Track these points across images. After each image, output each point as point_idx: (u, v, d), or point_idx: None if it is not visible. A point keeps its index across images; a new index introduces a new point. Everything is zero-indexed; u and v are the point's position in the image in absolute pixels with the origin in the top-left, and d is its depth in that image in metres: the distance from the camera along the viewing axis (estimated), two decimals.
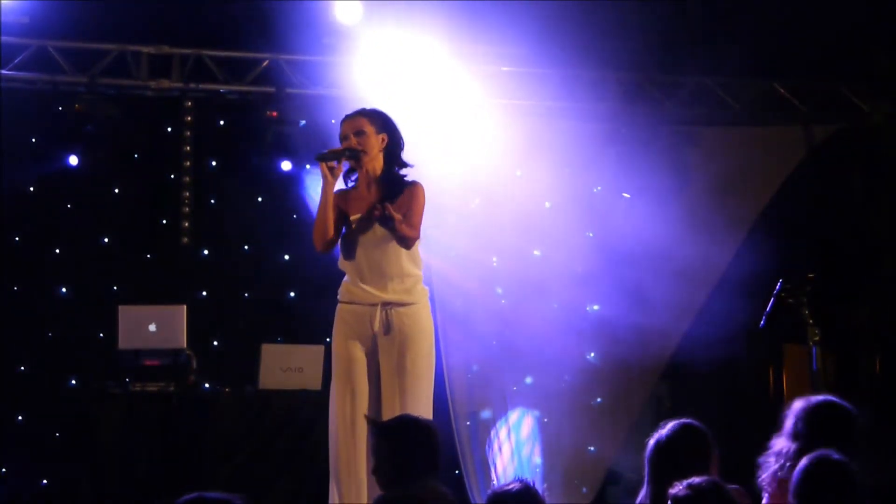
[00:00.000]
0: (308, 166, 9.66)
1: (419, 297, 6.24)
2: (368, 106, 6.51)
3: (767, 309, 7.71)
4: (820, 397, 5.13)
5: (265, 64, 9.50)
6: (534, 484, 4.07)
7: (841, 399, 5.09)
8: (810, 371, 7.50)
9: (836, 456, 4.17)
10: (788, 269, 8.21)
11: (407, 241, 6.14)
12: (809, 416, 5.02)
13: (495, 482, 9.21)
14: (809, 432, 4.97)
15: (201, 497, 3.62)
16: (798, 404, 5.09)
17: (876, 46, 9.79)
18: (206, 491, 3.81)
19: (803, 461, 4.13)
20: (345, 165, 6.26)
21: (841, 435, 4.92)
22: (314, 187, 9.45)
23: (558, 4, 8.99)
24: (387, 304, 6.14)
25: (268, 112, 9.51)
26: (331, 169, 6.13)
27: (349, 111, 6.50)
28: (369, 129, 6.25)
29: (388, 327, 6.13)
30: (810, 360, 7.51)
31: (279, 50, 9.49)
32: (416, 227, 6.18)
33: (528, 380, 9.62)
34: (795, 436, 5.01)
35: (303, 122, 9.49)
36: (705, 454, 4.70)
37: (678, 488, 3.93)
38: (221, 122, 10.02)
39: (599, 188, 9.92)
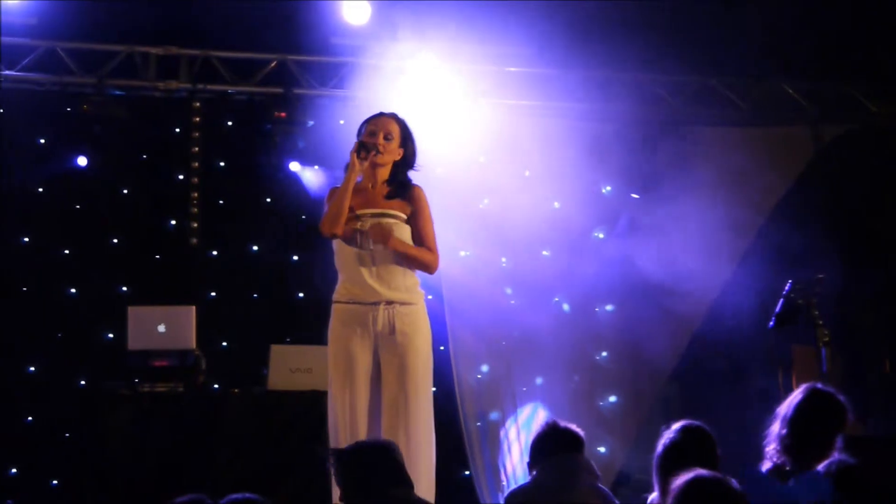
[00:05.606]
0: (316, 167, 9.67)
1: (418, 298, 6.31)
2: (384, 109, 6.54)
3: (777, 310, 7.70)
4: (820, 386, 5.20)
5: (273, 65, 9.53)
6: None
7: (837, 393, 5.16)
8: (819, 372, 7.49)
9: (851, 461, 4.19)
10: (797, 270, 8.19)
11: (430, 267, 6.29)
12: (801, 405, 5.10)
13: (504, 483, 9.23)
14: (798, 420, 5.06)
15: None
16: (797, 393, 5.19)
17: (884, 47, 9.77)
18: (212, 492, 3.83)
19: (819, 468, 4.14)
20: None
21: (830, 426, 4.99)
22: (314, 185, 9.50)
23: (565, 5, 8.99)
24: (390, 303, 6.17)
25: (276, 113, 9.53)
26: (362, 159, 6.18)
27: (359, 112, 6.56)
28: (396, 137, 6.33)
29: (391, 328, 6.15)
30: (819, 362, 7.50)
31: (287, 50, 9.52)
32: (432, 245, 6.32)
33: (538, 381, 9.62)
34: (784, 421, 5.09)
35: (311, 122, 9.51)
36: (711, 454, 4.74)
37: (681, 479, 3.92)
38: (229, 123, 10.02)
39: (608, 189, 9.92)
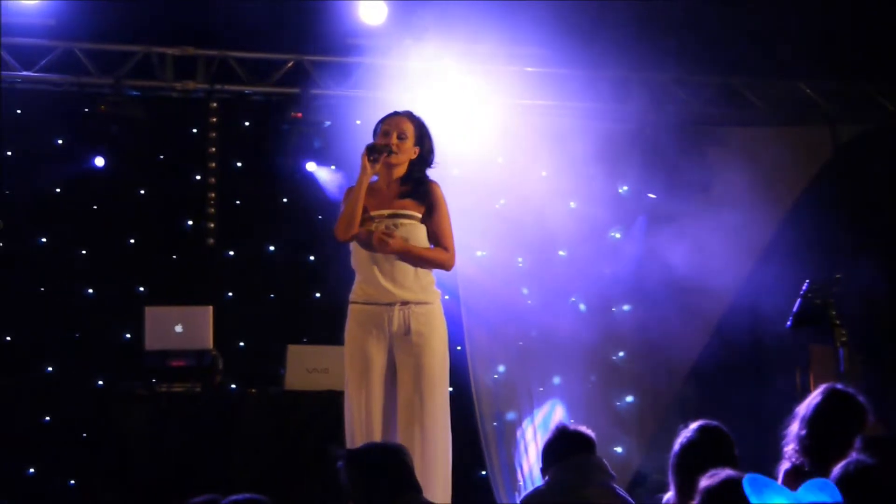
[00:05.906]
0: (333, 167, 9.68)
1: (434, 297, 6.27)
2: (400, 109, 6.50)
3: (794, 310, 7.67)
4: (840, 387, 5.16)
5: (290, 65, 9.54)
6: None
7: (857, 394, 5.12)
8: (837, 372, 7.45)
9: (869, 461, 4.16)
10: (816, 269, 8.16)
11: (445, 265, 6.25)
12: (820, 405, 5.07)
13: (521, 483, 9.21)
14: (817, 420, 5.03)
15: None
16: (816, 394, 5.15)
17: None
18: (228, 492, 3.81)
19: (836, 469, 4.12)
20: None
21: (850, 426, 4.96)
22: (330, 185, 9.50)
23: (583, 5, 8.97)
24: (405, 304, 6.14)
25: (292, 113, 9.54)
26: (372, 162, 6.16)
27: (376, 112, 6.53)
28: (411, 136, 6.29)
29: (406, 328, 6.13)
30: (837, 362, 7.47)
31: (304, 51, 9.53)
32: (448, 243, 6.26)
33: (555, 381, 9.61)
34: (803, 422, 5.06)
35: (327, 122, 9.51)
36: (729, 454, 4.73)
37: (712, 480, 3.89)
38: (246, 124, 10.05)
39: (625, 188, 9.90)
